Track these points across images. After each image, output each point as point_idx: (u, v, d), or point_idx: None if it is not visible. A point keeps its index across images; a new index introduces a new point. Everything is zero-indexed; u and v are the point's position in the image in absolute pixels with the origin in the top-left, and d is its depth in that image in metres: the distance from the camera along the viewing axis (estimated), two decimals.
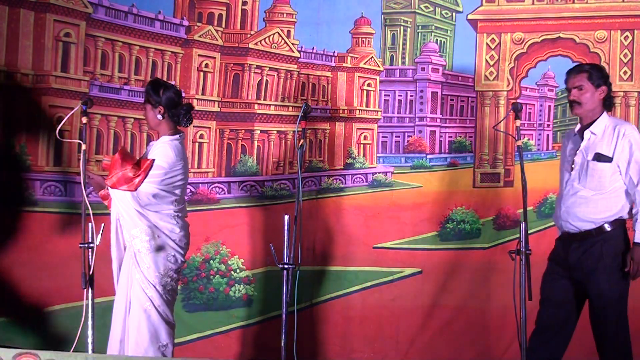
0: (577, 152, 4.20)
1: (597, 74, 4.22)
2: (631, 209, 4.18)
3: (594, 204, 4.15)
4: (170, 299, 4.44)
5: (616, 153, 4.14)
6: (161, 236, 4.36)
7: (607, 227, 4.15)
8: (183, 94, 4.56)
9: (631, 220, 4.17)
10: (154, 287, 4.34)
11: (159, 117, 4.43)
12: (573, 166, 4.19)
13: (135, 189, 4.29)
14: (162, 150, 4.36)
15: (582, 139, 4.21)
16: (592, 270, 4.10)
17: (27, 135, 5.55)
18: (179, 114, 4.44)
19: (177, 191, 4.41)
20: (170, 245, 4.38)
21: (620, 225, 4.19)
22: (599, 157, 4.14)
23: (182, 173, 4.42)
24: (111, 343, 4.44)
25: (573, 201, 4.14)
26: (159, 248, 4.34)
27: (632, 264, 4.09)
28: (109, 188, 4.38)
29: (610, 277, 4.11)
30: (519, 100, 5.55)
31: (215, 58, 5.80)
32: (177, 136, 4.46)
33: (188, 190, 5.67)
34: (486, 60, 5.66)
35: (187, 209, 5.60)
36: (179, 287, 5.52)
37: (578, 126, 4.29)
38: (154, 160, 4.34)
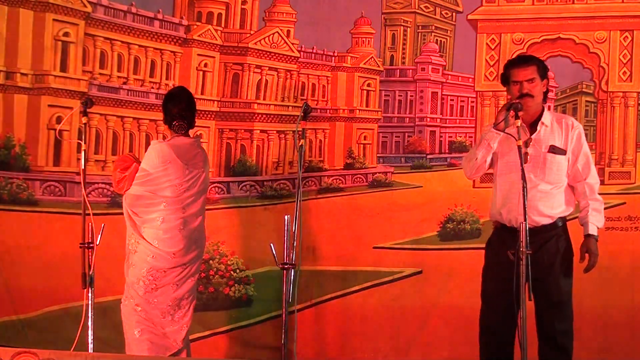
0: (529, 144, 4.09)
1: (543, 66, 4.18)
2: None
3: (552, 198, 4.12)
4: (154, 300, 4.42)
5: (568, 146, 4.14)
6: (141, 240, 4.41)
7: (559, 223, 4.15)
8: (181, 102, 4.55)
9: None
10: (135, 285, 4.40)
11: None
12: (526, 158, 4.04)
13: (124, 192, 4.45)
14: (146, 154, 4.49)
15: (528, 131, 4.10)
16: (550, 265, 4.07)
17: (27, 135, 5.56)
18: (167, 120, 4.56)
19: (166, 193, 4.42)
20: (152, 246, 4.40)
21: (565, 220, 4.19)
22: (554, 150, 4.12)
23: (169, 175, 4.43)
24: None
25: (532, 195, 3.97)
26: (143, 248, 4.40)
27: (591, 257, 4.10)
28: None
29: (567, 272, 4.13)
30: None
31: (214, 57, 5.80)
32: (164, 139, 4.57)
33: None
34: (486, 60, 5.66)
35: None
36: None
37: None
38: (139, 163, 4.48)
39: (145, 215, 4.42)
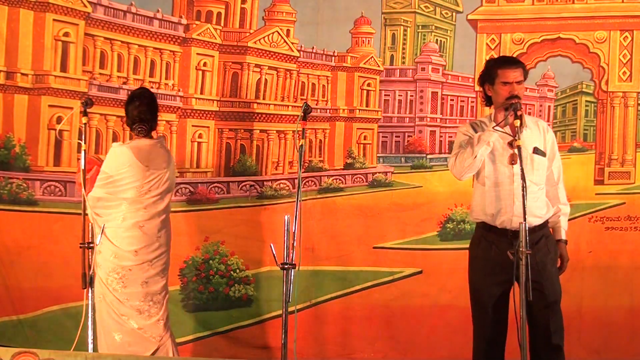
0: (514, 145, 3.99)
1: (526, 69, 4.18)
2: None
3: (539, 198, 4.13)
4: (121, 298, 4.43)
5: (545, 148, 4.15)
6: (104, 239, 4.43)
7: (546, 223, 4.17)
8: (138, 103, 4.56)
9: None
10: (104, 284, 4.43)
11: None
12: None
13: (87, 194, 4.46)
14: (107, 157, 4.53)
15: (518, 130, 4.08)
16: (543, 266, 4.07)
17: (27, 135, 5.56)
18: (128, 123, 4.60)
19: (127, 195, 4.44)
20: (112, 248, 4.42)
21: (548, 222, 4.20)
22: (537, 151, 4.12)
23: (129, 177, 4.44)
24: None
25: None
26: (106, 248, 4.43)
27: (562, 262, 4.15)
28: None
29: (557, 272, 4.15)
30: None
31: (214, 57, 5.79)
32: (121, 142, 4.64)
33: (187, 190, 5.67)
34: (486, 60, 5.65)
35: (187, 208, 5.63)
36: (178, 287, 5.56)
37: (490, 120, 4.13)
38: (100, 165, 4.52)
39: (106, 215, 4.46)
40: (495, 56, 5.59)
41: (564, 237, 4.18)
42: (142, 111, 4.52)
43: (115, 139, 5.66)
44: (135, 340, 4.45)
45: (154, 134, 4.64)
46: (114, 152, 4.50)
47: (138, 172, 4.45)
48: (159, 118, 4.70)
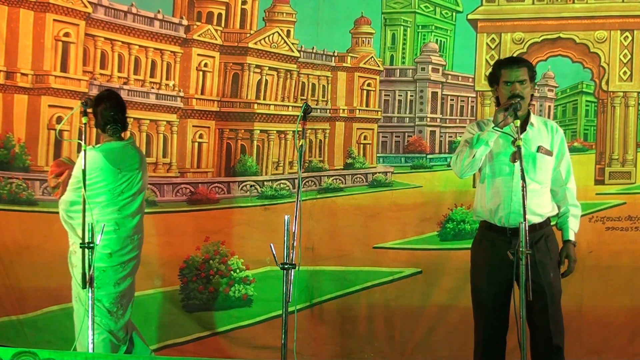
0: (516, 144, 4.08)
1: (533, 69, 4.16)
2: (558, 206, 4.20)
3: (541, 197, 4.11)
4: (98, 299, 4.38)
5: (553, 148, 4.14)
6: (78, 242, 4.37)
7: (547, 222, 4.15)
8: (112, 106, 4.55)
9: None
10: (79, 285, 4.37)
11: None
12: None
13: (58, 197, 4.52)
14: (77, 161, 4.45)
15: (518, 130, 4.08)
16: (542, 265, 4.05)
17: (26, 135, 5.56)
18: (99, 124, 4.55)
19: (99, 199, 4.43)
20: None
21: (550, 222, 4.19)
22: (542, 150, 4.11)
23: (100, 181, 4.43)
24: None
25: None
26: (79, 250, 4.34)
27: (569, 263, 4.11)
28: None
29: (557, 272, 4.12)
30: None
31: (214, 57, 5.80)
32: (92, 146, 4.52)
33: (187, 190, 5.67)
34: (486, 60, 5.65)
35: (187, 208, 5.62)
36: (178, 287, 5.55)
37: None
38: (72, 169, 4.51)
39: (79, 219, 4.36)
40: (496, 56, 5.60)
41: (571, 238, 4.14)
42: (113, 111, 4.49)
43: None
44: (106, 341, 4.46)
45: (124, 134, 4.62)
46: (82, 156, 4.34)
47: (110, 176, 4.45)
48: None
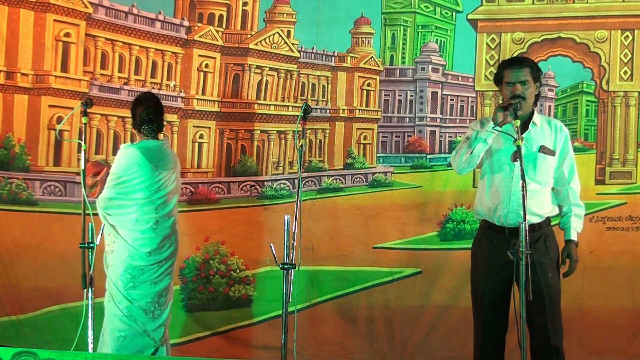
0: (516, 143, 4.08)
1: (537, 69, 4.16)
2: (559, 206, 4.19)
3: (541, 197, 4.10)
4: (135, 297, 4.47)
5: (556, 147, 4.14)
6: (118, 239, 4.48)
7: (547, 223, 4.14)
8: (150, 108, 4.63)
9: None
10: (115, 284, 4.48)
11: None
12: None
13: (96, 196, 4.55)
14: (116, 158, 4.59)
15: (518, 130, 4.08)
16: (541, 265, 4.03)
17: (27, 135, 5.57)
18: (136, 125, 4.66)
19: (137, 195, 4.48)
20: (127, 246, 4.47)
21: (551, 222, 4.18)
22: (544, 150, 4.10)
23: (138, 177, 4.48)
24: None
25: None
26: (119, 248, 4.48)
27: (571, 263, 4.09)
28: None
29: (556, 272, 4.12)
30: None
31: (215, 58, 5.80)
32: (130, 143, 4.65)
33: (187, 190, 5.67)
34: (486, 60, 5.65)
35: (188, 208, 5.62)
36: (178, 287, 5.56)
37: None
38: (110, 167, 4.58)
39: (118, 215, 4.51)
40: (496, 56, 5.60)
41: (573, 237, 4.13)
42: (151, 112, 4.59)
43: (116, 139, 5.68)
44: (137, 341, 4.49)
45: (160, 135, 4.70)
46: (123, 153, 4.56)
47: (147, 172, 4.50)
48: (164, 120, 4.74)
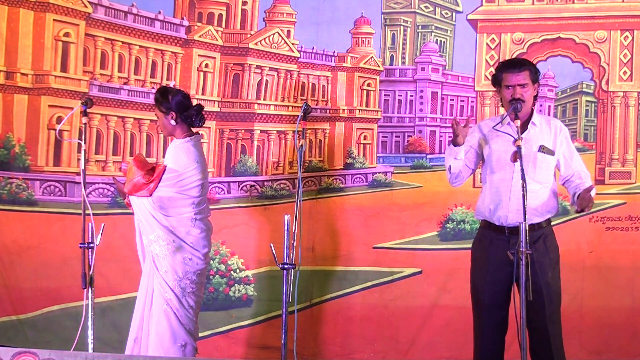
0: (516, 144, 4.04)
1: (535, 70, 4.19)
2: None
3: (541, 197, 4.13)
4: (191, 303, 4.43)
5: (556, 147, 4.16)
6: (176, 240, 4.40)
7: (546, 222, 4.17)
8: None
9: None
10: (172, 290, 4.39)
11: (172, 122, 4.49)
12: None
13: (151, 194, 4.38)
14: (174, 154, 4.44)
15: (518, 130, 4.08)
16: (540, 265, 4.06)
17: (26, 135, 5.57)
18: (190, 115, 4.50)
19: (194, 192, 4.43)
20: (187, 249, 4.41)
21: (551, 222, 4.21)
22: (544, 149, 4.13)
23: (198, 174, 4.43)
24: (128, 340, 4.54)
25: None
26: (176, 252, 4.39)
27: (584, 201, 3.99)
28: (128, 195, 4.48)
29: (555, 272, 4.14)
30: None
31: (215, 58, 5.80)
32: (188, 138, 4.51)
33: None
34: (486, 60, 5.66)
35: None
36: None
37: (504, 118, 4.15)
38: (166, 165, 4.42)
39: (176, 215, 4.41)
40: (496, 56, 5.61)
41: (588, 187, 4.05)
42: (196, 109, 4.50)
43: (116, 139, 5.67)
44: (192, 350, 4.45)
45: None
46: (182, 150, 4.43)
47: (204, 170, 4.47)
48: None
